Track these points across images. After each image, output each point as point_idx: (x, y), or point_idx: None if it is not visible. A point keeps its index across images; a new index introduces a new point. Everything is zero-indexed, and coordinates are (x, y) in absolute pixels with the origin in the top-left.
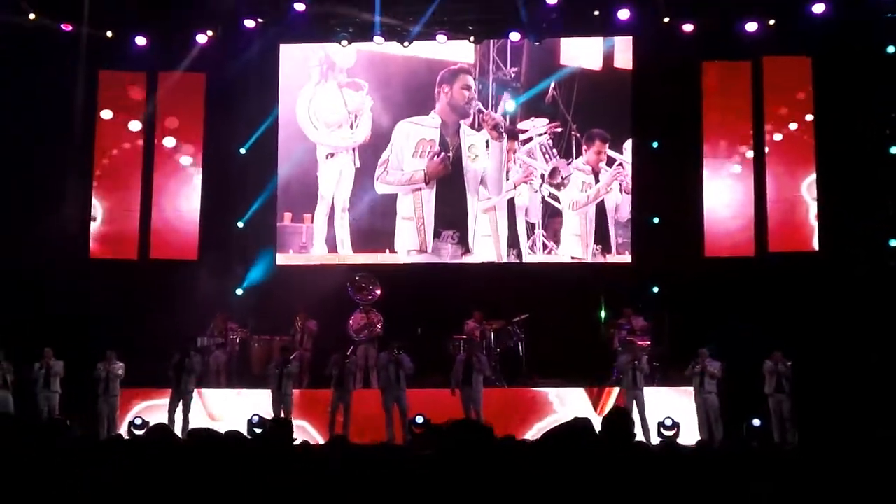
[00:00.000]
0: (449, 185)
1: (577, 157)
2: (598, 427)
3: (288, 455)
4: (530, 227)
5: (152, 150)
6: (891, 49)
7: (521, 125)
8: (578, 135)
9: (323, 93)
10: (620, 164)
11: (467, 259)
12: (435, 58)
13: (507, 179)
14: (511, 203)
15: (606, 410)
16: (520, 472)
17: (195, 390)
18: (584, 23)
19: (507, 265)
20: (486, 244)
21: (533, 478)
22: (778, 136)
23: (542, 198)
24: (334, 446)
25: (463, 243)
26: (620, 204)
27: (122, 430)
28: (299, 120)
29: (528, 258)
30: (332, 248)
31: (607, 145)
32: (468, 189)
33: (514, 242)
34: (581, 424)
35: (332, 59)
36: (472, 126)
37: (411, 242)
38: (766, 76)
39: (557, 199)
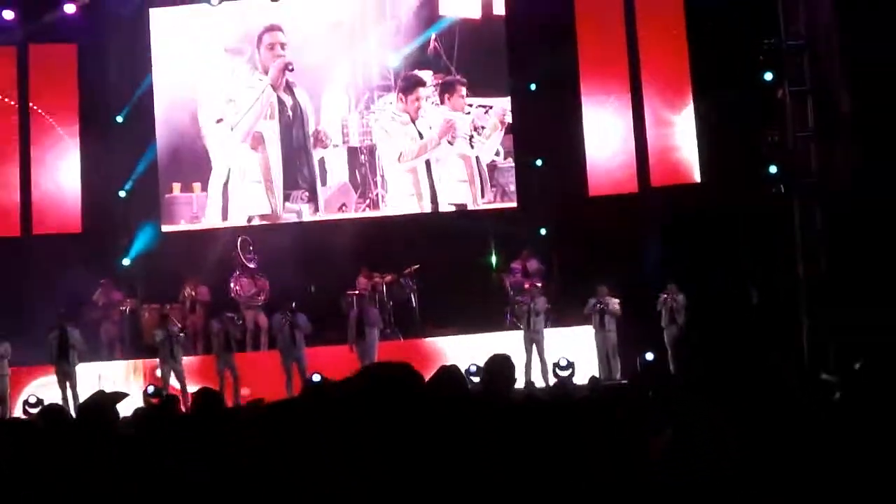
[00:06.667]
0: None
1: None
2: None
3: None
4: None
5: (28, 124)
6: None
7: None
8: (465, 84)
9: (209, 56)
10: (485, 109)
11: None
12: (312, 14)
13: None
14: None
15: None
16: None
17: (83, 363)
18: None
19: (391, 218)
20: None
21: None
22: (654, 70)
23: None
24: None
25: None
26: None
27: (18, 410)
28: (194, 86)
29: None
30: (226, 216)
31: (464, 89)
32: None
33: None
34: (448, 371)
35: (217, 21)
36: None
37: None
38: (639, 7)
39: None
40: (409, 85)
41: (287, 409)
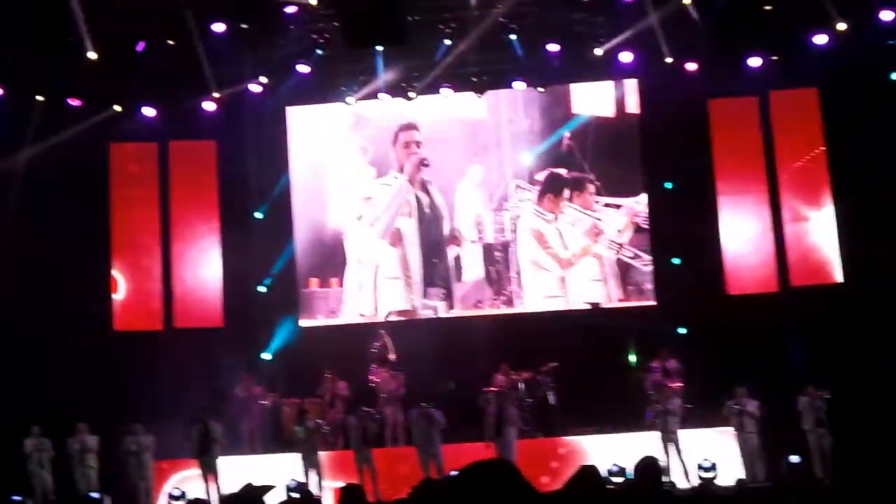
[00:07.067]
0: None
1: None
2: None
3: None
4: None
5: (168, 219)
6: (894, 75)
7: (537, 176)
8: (598, 183)
9: (346, 153)
10: (618, 207)
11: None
12: (446, 115)
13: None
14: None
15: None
16: None
17: (224, 456)
18: (587, 67)
19: (527, 315)
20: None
21: None
22: (790, 169)
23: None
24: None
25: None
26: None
27: (161, 502)
28: (330, 183)
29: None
30: (364, 311)
31: (593, 186)
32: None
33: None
34: (588, 472)
35: (353, 119)
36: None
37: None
38: (774, 110)
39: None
40: (553, 183)
41: None
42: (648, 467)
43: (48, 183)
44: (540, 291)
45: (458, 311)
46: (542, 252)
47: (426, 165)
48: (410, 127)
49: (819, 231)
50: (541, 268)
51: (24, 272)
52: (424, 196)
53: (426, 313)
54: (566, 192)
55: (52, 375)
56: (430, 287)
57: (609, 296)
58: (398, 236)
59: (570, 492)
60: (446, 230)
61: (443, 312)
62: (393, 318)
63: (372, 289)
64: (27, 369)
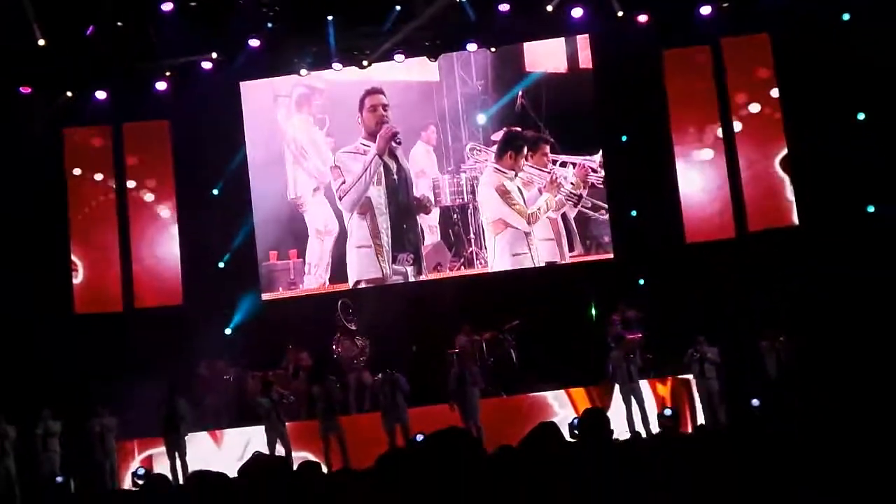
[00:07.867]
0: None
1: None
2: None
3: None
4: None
5: (125, 200)
6: (846, 16)
7: (493, 136)
8: (552, 140)
9: (299, 126)
10: (572, 165)
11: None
12: (399, 79)
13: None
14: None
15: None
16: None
17: (191, 433)
18: (538, 25)
19: (488, 275)
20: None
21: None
22: (745, 116)
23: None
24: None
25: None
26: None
27: (127, 482)
28: (286, 156)
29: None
30: (333, 279)
31: (547, 147)
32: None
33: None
34: (547, 428)
35: (304, 91)
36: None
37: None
38: (727, 58)
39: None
40: (513, 141)
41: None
42: (592, 419)
43: (2, 171)
44: (506, 250)
45: (425, 276)
46: (507, 209)
47: (398, 143)
48: (376, 91)
49: (775, 174)
50: (508, 225)
51: None
52: (393, 163)
53: (396, 279)
54: (525, 150)
55: (14, 361)
56: (399, 253)
57: (563, 254)
58: (368, 205)
59: (527, 448)
60: (415, 195)
61: (412, 277)
62: (362, 286)
63: (339, 258)
64: None
